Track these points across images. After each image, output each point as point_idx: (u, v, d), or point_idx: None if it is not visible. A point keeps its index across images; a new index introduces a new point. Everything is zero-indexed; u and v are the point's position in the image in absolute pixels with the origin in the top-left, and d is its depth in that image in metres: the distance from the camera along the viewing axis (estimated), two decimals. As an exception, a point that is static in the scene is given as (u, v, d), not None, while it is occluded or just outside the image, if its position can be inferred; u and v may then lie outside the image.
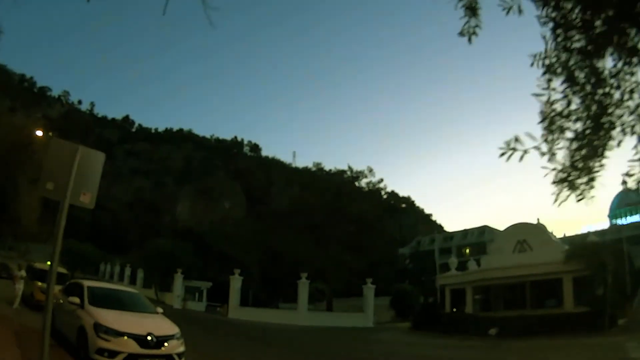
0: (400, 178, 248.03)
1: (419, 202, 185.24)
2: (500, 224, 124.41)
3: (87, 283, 11.02)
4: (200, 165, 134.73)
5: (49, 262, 26.80)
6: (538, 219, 30.39)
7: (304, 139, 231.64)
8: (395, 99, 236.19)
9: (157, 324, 9.60)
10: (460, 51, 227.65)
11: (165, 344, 8.97)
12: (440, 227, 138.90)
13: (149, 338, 8.73)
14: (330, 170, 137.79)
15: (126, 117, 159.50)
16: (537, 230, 28.62)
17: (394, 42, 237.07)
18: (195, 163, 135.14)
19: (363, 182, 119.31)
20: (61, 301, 10.62)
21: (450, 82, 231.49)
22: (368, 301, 37.71)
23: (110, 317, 8.98)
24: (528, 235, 28.52)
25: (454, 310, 30.28)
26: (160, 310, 10.99)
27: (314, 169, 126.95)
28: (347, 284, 60.78)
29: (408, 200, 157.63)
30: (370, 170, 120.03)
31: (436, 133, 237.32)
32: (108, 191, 78.67)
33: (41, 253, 53.67)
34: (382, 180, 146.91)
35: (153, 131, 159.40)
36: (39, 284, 18.11)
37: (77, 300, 9.72)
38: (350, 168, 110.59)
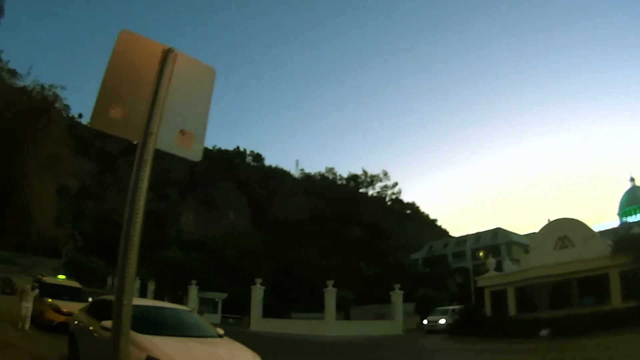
0: (404, 184, 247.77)
1: (423, 208, 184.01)
2: (510, 227, 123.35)
3: None
4: (204, 176, 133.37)
5: (61, 276, 24.52)
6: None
7: (306, 148, 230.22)
8: (393, 106, 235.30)
9: (233, 354, 6.95)
10: (467, 57, 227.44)
11: None
12: (445, 232, 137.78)
13: None
14: (339, 176, 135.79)
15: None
16: (578, 225, 27.42)
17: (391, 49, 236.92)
18: (198, 174, 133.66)
19: (377, 187, 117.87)
20: (91, 328, 7.73)
21: (456, 87, 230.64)
22: (397, 308, 36.08)
23: (169, 348, 6.17)
24: (569, 231, 27.29)
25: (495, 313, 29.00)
26: (221, 331, 8.25)
27: (326, 174, 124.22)
28: (360, 290, 59.50)
29: (412, 206, 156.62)
30: (385, 174, 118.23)
31: (438, 139, 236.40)
32: (112, 204, 77.71)
33: (46, 267, 51.61)
34: (396, 184, 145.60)
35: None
36: (49, 300, 16.25)
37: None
38: (365, 172, 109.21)
